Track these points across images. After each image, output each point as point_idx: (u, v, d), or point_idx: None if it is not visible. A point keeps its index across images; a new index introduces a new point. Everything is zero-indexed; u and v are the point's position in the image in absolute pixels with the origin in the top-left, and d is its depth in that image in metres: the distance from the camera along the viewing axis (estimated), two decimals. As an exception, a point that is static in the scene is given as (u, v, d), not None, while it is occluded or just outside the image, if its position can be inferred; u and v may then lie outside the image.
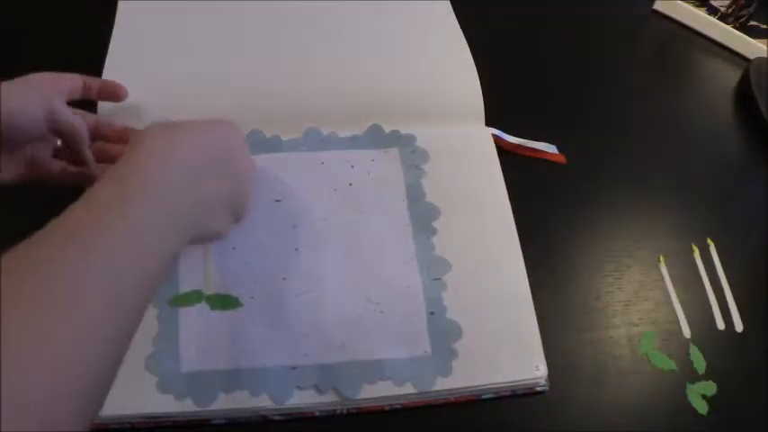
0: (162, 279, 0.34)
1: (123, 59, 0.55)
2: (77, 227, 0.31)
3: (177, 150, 0.37)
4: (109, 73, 0.54)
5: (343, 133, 0.54)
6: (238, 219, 0.44)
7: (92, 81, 0.48)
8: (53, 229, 0.31)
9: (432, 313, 0.47)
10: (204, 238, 0.41)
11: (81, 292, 0.29)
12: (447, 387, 0.44)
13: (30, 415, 0.25)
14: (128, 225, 0.32)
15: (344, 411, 0.44)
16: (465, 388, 0.45)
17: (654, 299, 0.52)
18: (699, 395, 0.48)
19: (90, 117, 0.47)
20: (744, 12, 0.69)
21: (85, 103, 0.52)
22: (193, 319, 0.45)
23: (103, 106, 0.52)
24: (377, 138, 0.54)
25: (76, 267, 0.29)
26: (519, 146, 0.57)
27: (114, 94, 0.50)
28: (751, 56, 0.68)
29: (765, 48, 0.68)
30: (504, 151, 0.56)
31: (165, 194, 0.35)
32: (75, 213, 0.32)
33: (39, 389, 0.26)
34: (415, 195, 0.52)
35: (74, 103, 0.50)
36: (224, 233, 0.42)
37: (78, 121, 0.43)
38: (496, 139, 0.56)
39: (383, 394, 0.44)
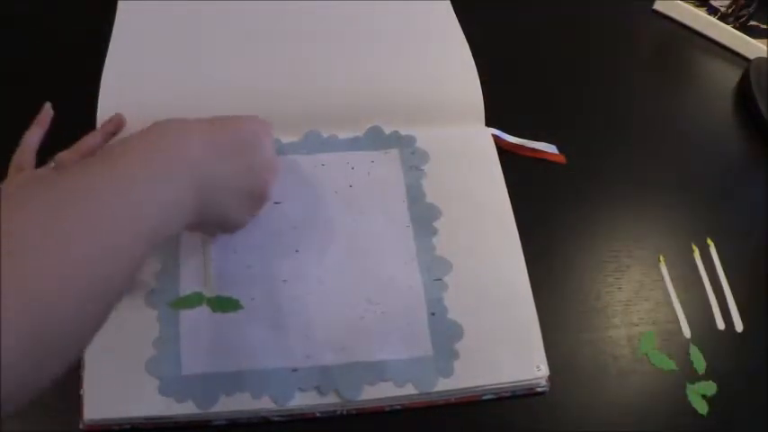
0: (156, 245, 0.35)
1: (123, 60, 0.55)
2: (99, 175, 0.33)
3: (192, 135, 0.38)
4: (109, 73, 0.54)
5: (344, 135, 0.54)
6: (255, 212, 0.45)
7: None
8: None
9: (433, 314, 0.47)
10: (217, 224, 0.43)
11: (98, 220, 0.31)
12: (448, 388, 0.45)
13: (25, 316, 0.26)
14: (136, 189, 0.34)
15: (345, 412, 0.44)
16: (466, 389, 0.45)
17: (654, 299, 0.52)
18: (699, 395, 0.48)
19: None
20: (744, 12, 0.69)
21: (85, 102, 0.52)
22: (194, 321, 0.45)
23: (104, 108, 0.52)
24: (377, 139, 0.54)
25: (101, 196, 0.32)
26: (519, 146, 0.57)
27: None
28: (751, 56, 0.68)
29: (765, 48, 0.68)
30: (504, 151, 0.56)
31: (172, 171, 0.36)
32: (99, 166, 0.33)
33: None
34: (415, 196, 0.52)
35: (73, 105, 0.50)
36: (240, 224, 0.44)
37: None
38: (496, 139, 0.56)
39: (384, 395, 0.44)
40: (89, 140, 0.47)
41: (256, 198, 0.44)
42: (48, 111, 0.48)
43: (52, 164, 0.45)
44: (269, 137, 0.44)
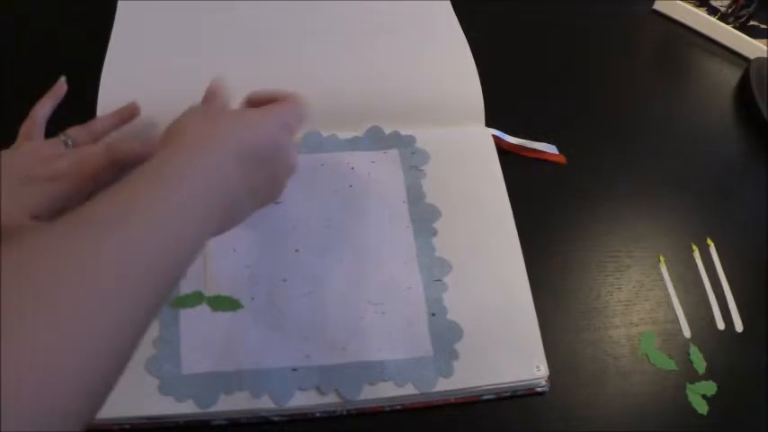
0: (183, 272, 0.32)
1: (123, 59, 0.55)
2: (104, 214, 0.30)
3: (217, 143, 0.36)
4: (108, 73, 0.54)
5: (344, 135, 0.54)
6: (271, 200, 0.43)
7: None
8: (79, 215, 0.29)
9: (433, 314, 0.47)
10: (224, 230, 0.40)
11: (90, 282, 0.27)
12: (448, 388, 0.44)
13: (24, 402, 0.23)
14: (158, 215, 0.31)
15: (345, 412, 0.44)
16: (466, 389, 0.45)
17: (654, 299, 0.52)
18: (699, 395, 0.48)
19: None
20: (744, 12, 0.69)
21: (85, 102, 0.52)
22: (194, 320, 0.45)
23: (104, 108, 0.52)
24: (377, 139, 0.54)
25: (93, 254, 0.28)
26: (519, 146, 0.57)
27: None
28: (751, 56, 0.69)
29: (765, 48, 0.68)
30: (504, 152, 0.56)
31: (198, 189, 0.34)
32: (107, 201, 0.31)
33: (37, 379, 0.24)
34: (415, 196, 0.52)
35: (73, 105, 0.50)
36: (249, 214, 0.41)
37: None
38: (497, 139, 0.56)
39: (384, 395, 0.44)
40: (103, 121, 0.47)
41: (269, 200, 0.42)
42: (62, 84, 0.48)
43: (62, 137, 0.45)
44: (288, 139, 0.42)
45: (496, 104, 0.57)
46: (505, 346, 0.46)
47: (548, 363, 0.46)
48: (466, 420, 0.45)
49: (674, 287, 0.53)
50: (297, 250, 0.48)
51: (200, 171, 0.34)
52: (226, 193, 0.36)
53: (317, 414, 0.44)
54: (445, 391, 0.45)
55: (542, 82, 0.64)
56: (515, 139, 0.57)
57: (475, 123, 0.57)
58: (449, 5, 0.64)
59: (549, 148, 0.58)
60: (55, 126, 0.53)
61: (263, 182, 0.40)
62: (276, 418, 0.44)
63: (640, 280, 0.53)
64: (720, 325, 0.52)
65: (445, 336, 0.46)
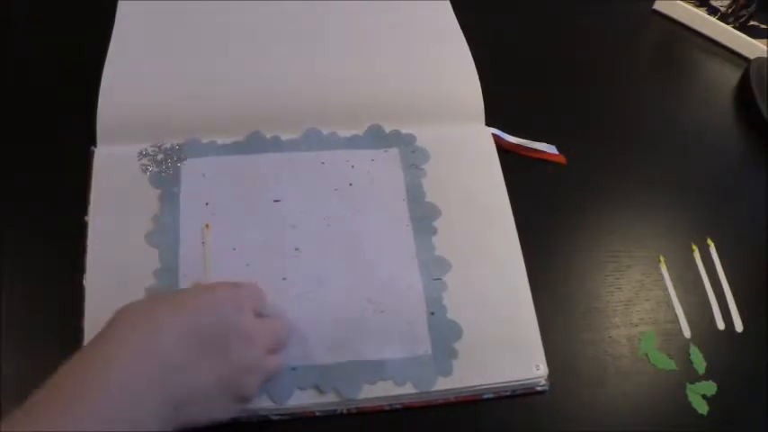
0: None
1: (123, 60, 0.55)
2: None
3: (153, 340, 0.35)
4: (109, 73, 0.54)
5: (344, 133, 0.54)
6: (245, 399, 0.40)
7: None
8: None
9: (432, 313, 0.47)
10: (194, 423, 0.38)
11: None
12: (447, 387, 0.44)
13: None
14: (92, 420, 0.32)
15: (344, 411, 0.44)
16: (465, 388, 0.45)
17: (654, 299, 0.52)
18: (699, 395, 0.48)
19: None
20: (744, 12, 0.69)
21: (86, 103, 0.52)
22: (194, 319, 0.45)
23: (104, 108, 0.52)
24: (377, 137, 0.55)
25: None
26: (519, 146, 0.57)
27: None
28: (751, 56, 0.68)
29: (765, 48, 0.68)
30: (504, 151, 0.56)
31: (129, 392, 0.34)
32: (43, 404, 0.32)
33: None
34: (415, 195, 0.52)
35: (73, 106, 0.50)
36: (223, 416, 0.39)
37: None
38: (497, 139, 0.56)
39: (384, 394, 0.44)
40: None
41: (239, 399, 0.40)
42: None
43: None
44: (241, 311, 0.39)
45: (496, 104, 0.57)
46: (505, 345, 0.46)
47: (548, 362, 0.46)
48: (465, 420, 0.45)
49: (674, 287, 0.53)
50: (296, 249, 0.48)
51: (124, 382, 0.34)
52: (171, 372, 0.35)
53: (317, 413, 0.44)
54: (444, 390, 0.45)
55: (542, 82, 0.64)
56: (515, 138, 0.57)
57: (475, 122, 0.57)
58: (448, 5, 0.64)
59: (549, 148, 0.58)
60: (55, 125, 0.54)
61: (218, 374, 0.37)
62: (276, 418, 0.44)
63: (640, 280, 0.53)
64: (720, 325, 0.52)
65: (444, 335, 0.46)
